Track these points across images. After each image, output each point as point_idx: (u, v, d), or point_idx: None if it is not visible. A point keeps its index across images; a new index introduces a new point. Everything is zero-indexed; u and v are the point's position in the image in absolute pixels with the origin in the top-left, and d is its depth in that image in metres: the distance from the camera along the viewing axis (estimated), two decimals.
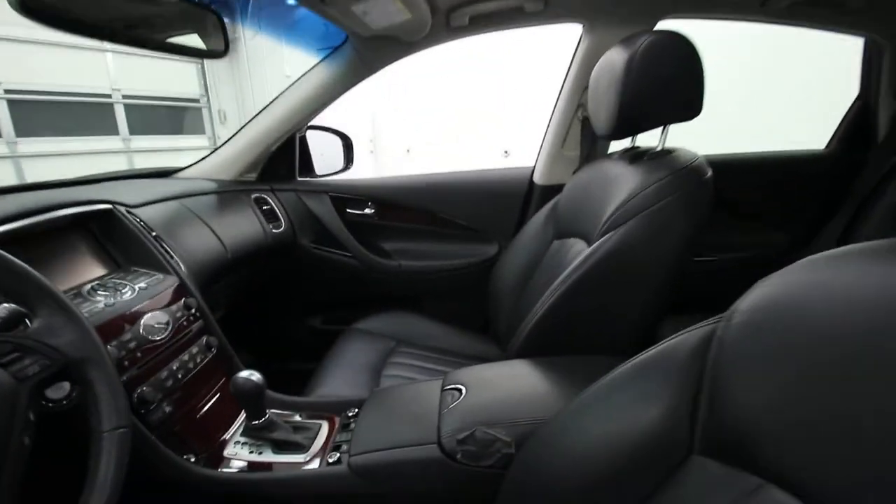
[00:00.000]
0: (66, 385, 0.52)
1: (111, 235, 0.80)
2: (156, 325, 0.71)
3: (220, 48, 0.89)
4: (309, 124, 1.37)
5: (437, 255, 1.46)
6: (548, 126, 1.34)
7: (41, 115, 4.07)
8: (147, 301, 0.73)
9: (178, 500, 0.69)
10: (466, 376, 0.78)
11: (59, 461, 0.52)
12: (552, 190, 1.25)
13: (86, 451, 0.45)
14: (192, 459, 0.68)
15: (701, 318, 0.43)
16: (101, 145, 4.51)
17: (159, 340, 0.71)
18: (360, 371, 1.08)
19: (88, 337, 0.47)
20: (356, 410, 0.79)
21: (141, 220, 0.85)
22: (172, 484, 0.66)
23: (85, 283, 0.71)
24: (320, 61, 1.24)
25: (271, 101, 1.30)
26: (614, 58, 0.83)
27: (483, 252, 1.44)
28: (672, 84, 0.79)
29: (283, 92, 1.29)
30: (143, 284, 0.75)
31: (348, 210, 1.45)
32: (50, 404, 0.50)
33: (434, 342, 1.22)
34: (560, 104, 1.28)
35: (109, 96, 4.59)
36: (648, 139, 0.90)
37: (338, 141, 1.51)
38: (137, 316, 0.70)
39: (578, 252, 0.88)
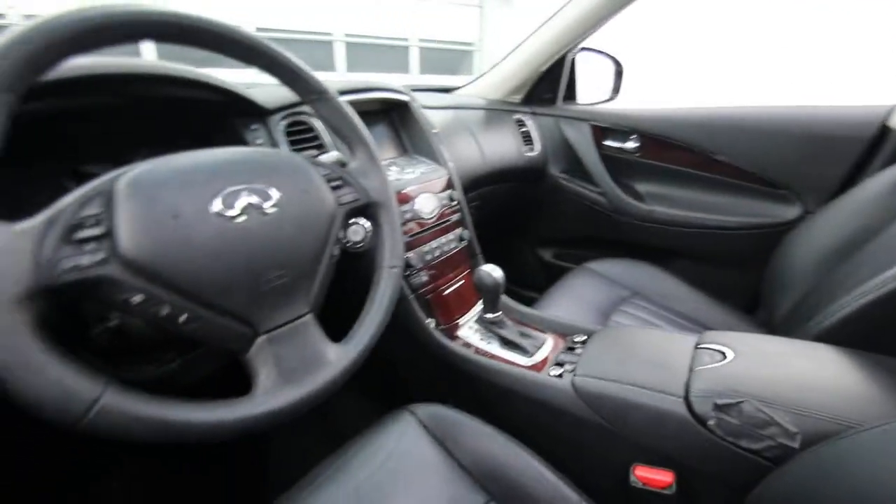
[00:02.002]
0: (362, 231, 0.63)
1: (405, 125, 0.93)
2: (426, 205, 0.80)
3: None
4: (581, 46, 1.27)
5: (703, 206, 1.21)
6: None
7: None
8: (423, 184, 0.83)
9: (414, 354, 0.79)
10: (734, 340, 0.62)
11: (348, 289, 0.64)
12: None
13: (367, 285, 0.54)
14: (433, 325, 0.76)
15: None
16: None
17: (426, 219, 0.80)
18: (588, 309, 1.01)
19: (386, 186, 0.54)
20: (585, 338, 0.74)
21: (428, 119, 0.96)
22: (413, 340, 0.76)
23: (383, 159, 0.85)
24: None
25: (546, 20, 1.25)
26: None
27: (774, 213, 1.12)
28: None
29: (559, 10, 1.21)
30: (423, 170, 0.85)
31: (606, 142, 1.32)
32: (348, 244, 0.62)
33: (677, 305, 1.04)
34: None
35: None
36: None
37: (609, 67, 1.37)
38: (414, 194, 0.80)
39: None
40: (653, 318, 0.98)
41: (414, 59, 5.47)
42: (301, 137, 0.68)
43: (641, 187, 1.32)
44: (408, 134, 0.94)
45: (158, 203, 0.35)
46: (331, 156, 0.59)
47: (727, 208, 1.18)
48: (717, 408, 0.50)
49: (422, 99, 1.02)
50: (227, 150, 0.43)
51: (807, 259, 0.90)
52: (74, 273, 0.30)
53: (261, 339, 0.40)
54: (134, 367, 0.49)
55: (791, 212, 1.09)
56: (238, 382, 0.41)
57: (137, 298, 0.33)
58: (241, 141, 0.63)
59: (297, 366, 0.41)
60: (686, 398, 0.53)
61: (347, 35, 4.83)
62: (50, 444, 0.74)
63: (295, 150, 0.66)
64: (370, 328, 0.49)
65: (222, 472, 0.97)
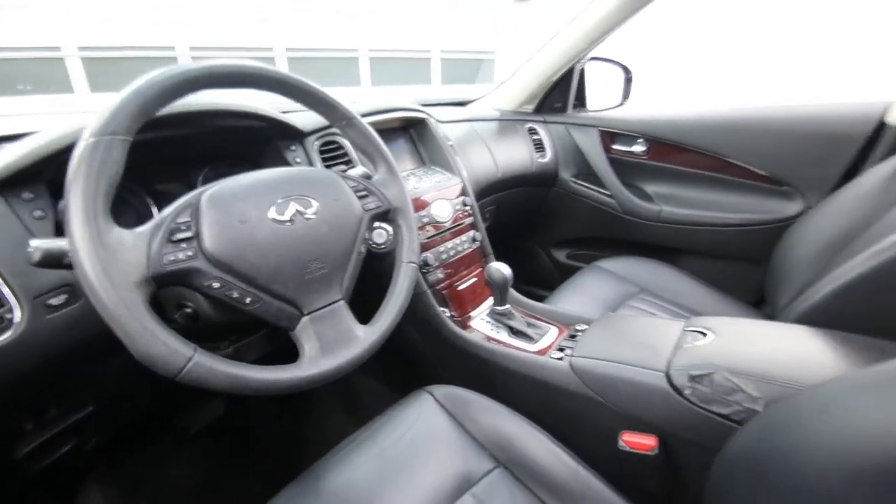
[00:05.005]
0: (385, 234, 0.74)
1: (423, 139, 1.04)
2: (441, 210, 0.91)
3: None
4: (590, 55, 1.35)
5: (709, 205, 1.26)
6: None
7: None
8: (439, 191, 0.93)
9: (430, 341, 0.89)
10: (716, 322, 0.69)
11: (373, 283, 0.74)
12: None
13: (389, 280, 0.64)
14: (448, 314, 0.86)
15: None
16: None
17: (442, 222, 0.90)
18: (595, 304, 1.08)
19: (404, 194, 0.65)
20: (585, 327, 0.82)
21: (443, 133, 1.06)
22: (430, 329, 0.86)
23: (403, 171, 0.95)
24: None
25: (556, 33, 1.33)
26: None
27: (777, 209, 1.16)
28: None
29: (568, 23, 1.29)
30: (438, 179, 0.96)
31: (615, 146, 1.39)
32: (373, 245, 0.72)
33: (683, 300, 1.09)
34: None
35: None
36: None
37: (618, 74, 1.44)
38: (430, 200, 0.90)
39: None
40: (658, 311, 1.04)
41: (436, 71, 5.65)
42: (332, 155, 0.80)
43: (649, 188, 1.38)
44: (425, 147, 1.05)
45: (230, 212, 0.46)
46: (358, 170, 0.69)
47: (732, 206, 1.23)
48: (692, 378, 0.58)
49: (438, 114, 1.13)
50: (278, 169, 0.55)
51: (806, 252, 0.94)
52: (174, 265, 0.42)
53: (305, 319, 0.50)
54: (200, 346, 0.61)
55: (793, 207, 1.13)
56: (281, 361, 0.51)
57: (216, 284, 0.44)
58: (282, 159, 0.75)
59: (334, 340, 0.51)
60: (667, 372, 0.61)
61: (371, 50, 5.06)
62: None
63: (327, 165, 0.77)
64: (391, 313, 0.59)
65: (264, 451, 1.10)
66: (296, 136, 0.77)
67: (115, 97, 0.42)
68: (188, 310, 0.53)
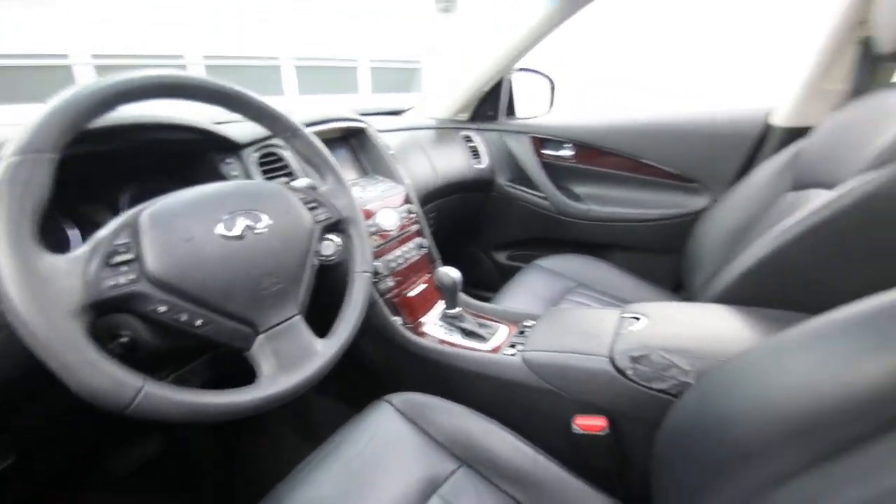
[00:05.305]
0: (332, 245, 0.73)
1: (364, 149, 1.04)
2: (387, 219, 0.91)
3: None
4: (516, 66, 1.43)
5: (633, 202, 1.38)
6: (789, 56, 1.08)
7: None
8: (384, 200, 0.93)
9: (385, 350, 0.88)
10: (649, 308, 0.76)
11: (325, 295, 0.73)
12: (794, 133, 1.03)
13: (340, 291, 0.63)
14: (400, 322, 0.86)
15: None
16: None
17: (389, 231, 0.91)
18: (538, 300, 1.14)
19: (353, 203, 0.65)
20: (533, 322, 0.86)
21: (383, 142, 1.07)
22: (384, 338, 0.85)
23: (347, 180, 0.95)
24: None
25: (486, 46, 1.40)
26: None
27: (688, 204, 1.30)
28: None
29: (498, 36, 1.36)
30: (383, 188, 0.96)
31: (545, 151, 1.48)
32: (321, 257, 0.71)
33: (616, 291, 1.19)
34: (827, 24, 1.01)
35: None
36: None
37: (542, 83, 1.53)
38: (376, 209, 0.90)
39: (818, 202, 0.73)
40: (594, 303, 1.13)
41: (364, 79, 5.62)
42: (272, 167, 0.77)
43: (579, 189, 1.48)
44: (367, 156, 1.04)
45: (175, 230, 0.44)
46: (302, 181, 0.68)
47: (650, 202, 1.36)
48: (632, 360, 0.63)
49: (376, 123, 1.13)
50: (222, 184, 0.52)
51: (713, 241, 1.07)
52: (114, 290, 0.39)
53: (261, 337, 0.48)
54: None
55: (701, 202, 1.27)
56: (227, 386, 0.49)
57: (163, 308, 0.41)
58: (217, 173, 0.72)
59: (292, 357, 0.50)
60: (610, 357, 0.66)
61: (297, 59, 4.92)
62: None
63: (268, 178, 0.75)
64: (349, 324, 0.58)
65: (212, 485, 1.02)
66: (231, 148, 0.74)
67: (41, 110, 0.38)
68: (124, 339, 0.49)
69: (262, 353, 0.48)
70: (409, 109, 1.54)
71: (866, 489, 0.33)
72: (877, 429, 0.36)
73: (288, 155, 0.79)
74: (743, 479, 0.43)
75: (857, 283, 0.67)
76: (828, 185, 0.76)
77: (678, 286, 1.29)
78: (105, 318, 0.47)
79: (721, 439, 0.48)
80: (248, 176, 0.73)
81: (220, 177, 0.71)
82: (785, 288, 0.72)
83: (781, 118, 1.13)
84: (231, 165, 0.72)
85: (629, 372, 0.64)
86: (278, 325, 0.50)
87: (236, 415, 0.43)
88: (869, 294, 0.66)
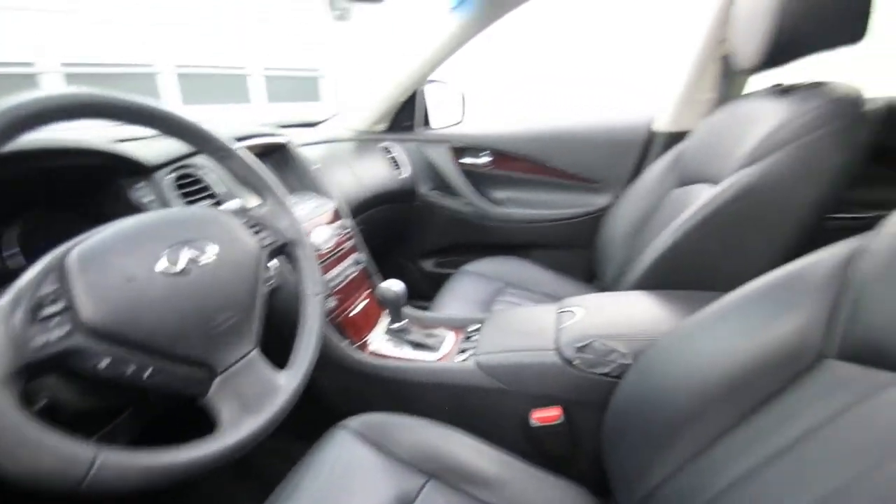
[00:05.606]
0: (269, 269, 0.68)
1: (288, 165, 0.99)
2: (322, 237, 0.88)
3: None
4: (428, 79, 1.47)
5: (546, 204, 1.49)
6: (667, 69, 1.27)
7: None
8: (316, 218, 0.90)
9: (335, 375, 0.85)
10: (582, 301, 0.83)
11: (272, 322, 0.68)
12: (675, 137, 1.20)
13: (282, 318, 0.59)
14: (347, 344, 0.84)
15: None
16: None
17: (325, 249, 0.87)
18: (472, 304, 1.18)
19: (296, 224, 0.61)
20: (478, 326, 0.89)
21: (306, 156, 1.02)
22: (332, 362, 0.82)
23: None
24: (450, 9, 1.30)
25: (401, 56, 1.41)
26: None
27: (594, 202, 1.44)
28: (836, 3, 0.72)
29: (411, 46, 1.39)
30: (313, 205, 0.92)
31: (464, 159, 1.53)
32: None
33: (539, 287, 1.28)
34: (696, 42, 1.20)
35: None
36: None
37: (455, 94, 1.59)
38: (309, 228, 0.86)
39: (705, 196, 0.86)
40: (524, 300, 1.20)
41: (257, 88, 5.28)
42: (192, 190, 0.70)
43: (498, 194, 1.56)
44: (291, 173, 0.99)
45: (111, 270, 0.38)
46: (233, 204, 0.63)
47: (562, 203, 1.48)
48: (578, 350, 0.69)
49: (293, 136, 1.08)
50: (159, 213, 0.47)
51: (617, 235, 1.20)
52: (46, 349, 0.33)
53: (218, 380, 0.44)
54: None
55: (604, 200, 1.42)
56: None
57: (105, 362, 0.36)
58: (124, 201, 0.63)
59: (255, 396, 0.46)
60: (558, 350, 0.71)
61: (178, 66, 4.46)
62: None
63: (189, 202, 0.68)
64: (307, 351, 0.55)
65: None
66: (140, 171, 0.65)
67: None
68: (43, 403, 0.41)
69: (222, 397, 0.44)
70: (324, 121, 1.49)
71: (785, 435, 0.41)
72: (785, 383, 0.44)
73: (212, 176, 0.73)
74: (687, 441, 0.50)
75: (747, 260, 0.81)
76: (709, 181, 0.91)
77: (591, 277, 1.42)
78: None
79: (663, 409, 0.54)
80: (163, 202, 0.65)
81: (130, 205, 0.63)
82: (691, 271, 0.84)
83: (663, 124, 1.31)
84: (142, 191, 0.64)
85: (576, 361, 0.69)
86: (236, 363, 0.46)
87: (204, 469, 0.39)
88: (758, 269, 0.80)
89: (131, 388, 0.38)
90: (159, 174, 0.67)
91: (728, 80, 1.16)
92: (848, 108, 0.71)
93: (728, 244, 0.80)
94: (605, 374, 0.67)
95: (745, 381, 0.47)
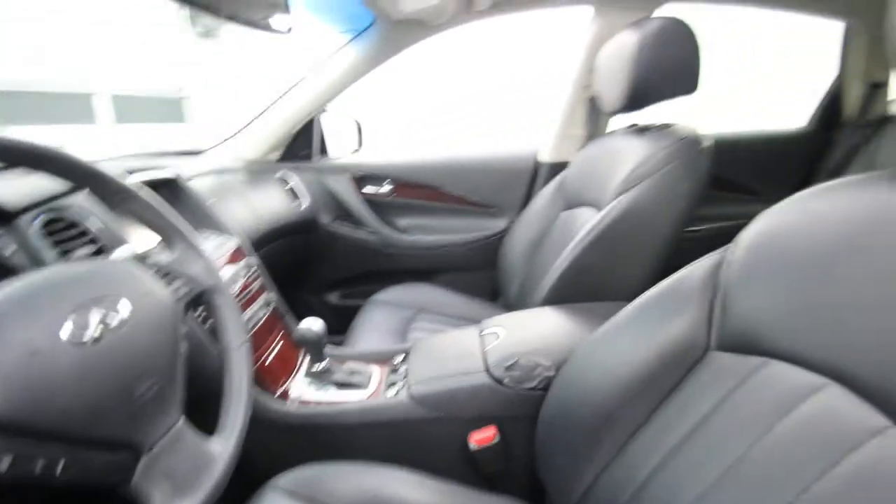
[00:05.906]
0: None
1: (179, 201, 0.88)
2: (229, 279, 0.79)
3: (283, 29, 0.98)
4: (324, 108, 1.45)
5: (448, 229, 1.56)
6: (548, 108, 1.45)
7: None
8: (218, 259, 0.81)
9: (258, 432, 0.77)
10: (501, 321, 0.88)
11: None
12: (557, 167, 1.36)
13: (193, 373, 0.53)
14: (266, 397, 0.77)
15: None
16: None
17: (232, 292, 0.79)
18: (388, 334, 1.17)
19: (213, 269, 0.55)
20: (403, 356, 0.88)
21: (197, 191, 0.92)
22: (253, 418, 0.74)
23: None
24: (346, 43, 1.31)
25: (294, 84, 1.37)
26: (626, 40, 0.94)
27: (492, 227, 1.55)
28: (676, 63, 0.91)
29: (306, 75, 1.36)
30: (214, 243, 0.83)
31: (365, 189, 1.53)
32: None
33: (450, 310, 1.32)
34: (569, 86, 1.39)
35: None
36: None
37: (349, 123, 1.59)
38: None
39: (589, 218, 0.99)
40: (438, 325, 1.23)
41: (103, 108, 4.57)
42: (65, 237, 0.58)
43: (401, 222, 1.58)
44: (185, 209, 0.88)
45: (9, 344, 0.30)
46: (124, 251, 0.55)
47: (463, 228, 1.56)
48: (506, 368, 0.73)
49: (181, 168, 0.97)
50: (53, 269, 0.38)
51: (516, 255, 1.31)
52: None
53: (144, 460, 0.37)
54: None
55: (501, 224, 1.53)
56: None
57: (5, 463, 0.28)
58: None
59: (188, 473, 0.40)
60: (488, 371, 0.75)
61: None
62: None
63: (62, 251, 0.57)
64: (239, 409, 0.50)
65: None
66: None
67: None
68: None
69: (151, 481, 0.37)
70: (208, 149, 1.36)
71: (687, 423, 0.49)
72: (681, 377, 0.53)
73: (93, 219, 0.62)
74: (607, 442, 0.56)
75: (632, 269, 0.95)
76: (592, 205, 1.05)
77: (496, 295, 1.52)
78: None
79: (584, 414, 0.60)
80: (29, 253, 0.54)
81: None
82: (590, 284, 0.95)
83: (546, 155, 1.47)
84: (2, 240, 0.52)
85: (506, 380, 0.73)
86: (164, 437, 0.40)
87: None
88: (642, 275, 0.93)
89: (39, 490, 0.31)
90: (23, 220, 0.55)
91: (594, 119, 1.36)
92: (693, 144, 0.89)
93: (616, 258, 0.94)
94: (534, 388, 0.73)
95: (649, 379, 0.54)
